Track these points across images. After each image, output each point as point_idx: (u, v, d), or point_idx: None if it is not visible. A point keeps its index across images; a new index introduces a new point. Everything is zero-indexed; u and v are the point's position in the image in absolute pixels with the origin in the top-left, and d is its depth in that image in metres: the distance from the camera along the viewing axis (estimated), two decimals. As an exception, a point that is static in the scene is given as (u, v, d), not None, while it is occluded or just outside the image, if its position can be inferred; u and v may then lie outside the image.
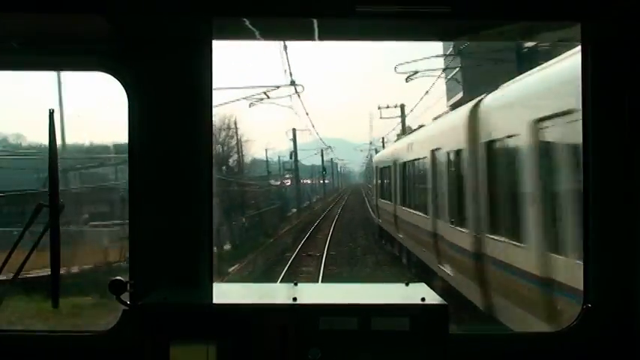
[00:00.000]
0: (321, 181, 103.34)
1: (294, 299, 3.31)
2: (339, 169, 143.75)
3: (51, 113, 3.77)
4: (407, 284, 3.66)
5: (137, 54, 3.96)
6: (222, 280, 18.14)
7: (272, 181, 69.46)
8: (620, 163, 3.97)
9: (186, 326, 3.24)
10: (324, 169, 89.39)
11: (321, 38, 4.24)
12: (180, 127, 4.00)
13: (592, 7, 3.65)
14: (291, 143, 69.75)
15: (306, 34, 4.03)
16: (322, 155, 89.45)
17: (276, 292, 4.05)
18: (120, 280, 3.73)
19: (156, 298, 3.44)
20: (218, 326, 3.25)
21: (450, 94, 49.86)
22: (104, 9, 3.60)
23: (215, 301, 3.71)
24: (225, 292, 3.98)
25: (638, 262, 3.94)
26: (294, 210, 66.40)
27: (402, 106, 59.24)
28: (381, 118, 61.17)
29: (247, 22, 3.81)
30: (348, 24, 3.90)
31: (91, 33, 3.91)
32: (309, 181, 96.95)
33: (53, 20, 3.74)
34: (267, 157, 74.45)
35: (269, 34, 4.37)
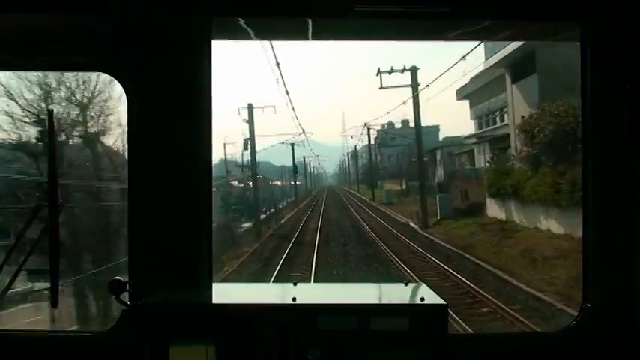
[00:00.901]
0: (292, 183, 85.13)
1: (294, 299, 3.31)
2: (311, 169, 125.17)
3: (50, 113, 3.78)
4: (406, 284, 3.66)
5: (137, 54, 3.96)
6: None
7: (236, 183, 56.86)
8: (620, 163, 3.97)
9: (185, 326, 3.24)
10: (295, 167, 70.01)
11: (320, 38, 4.26)
12: (179, 126, 4.00)
13: (591, 6, 3.66)
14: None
15: (306, 34, 4.03)
16: (293, 149, 68.42)
17: (275, 292, 4.05)
18: (119, 279, 3.73)
19: (155, 297, 3.44)
20: (217, 326, 3.25)
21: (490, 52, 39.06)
22: (104, 9, 3.60)
23: (214, 300, 3.72)
24: (225, 292, 3.99)
25: (638, 262, 3.95)
26: (251, 224, 45.76)
27: (414, 70, 42.54)
28: (381, 87, 45.10)
29: (247, 22, 3.81)
30: (348, 24, 3.91)
31: (91, 33, 3.91)
32: (278, 183, 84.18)
33: (53, 20, 3.75)
34: (225, 153, 60.67)
35: (269, 33, 4.39)
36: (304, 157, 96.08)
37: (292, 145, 65.85)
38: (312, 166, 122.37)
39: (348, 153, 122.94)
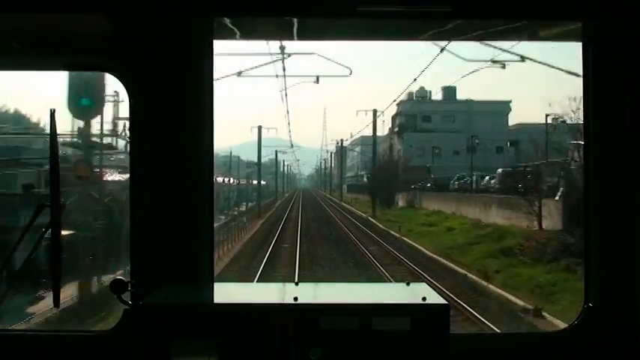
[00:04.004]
0: (248, 182, 65.88)
1: (295, 299, 3.30)
2: (283, 168, 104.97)
3: (52, 113, 3.77)
4: (408, 284, 3.66)
5: (138, 54, 3.96)
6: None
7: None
8: (621, 163, 3.98)
9: (187, 326, 3.24)
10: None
11: (323, 38, 4.29)
12: (181, 126, 4.00)
13: (593, 6, 3.66)
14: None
15: (307, 34, 4.04)
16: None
17: (277, 292, 4.05)
18: (121, 279, 3.74)
19: (157, 297, 3.44)
20: (219, 326, 3.25)
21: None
22: (105, 9, 3.60)
23: (216, 300, 3.72)
24: (226, 292, 3.99)
25: (638, 262, 3.95)
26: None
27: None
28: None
29: (248, 22, 3.82)
30: (350, 23, 3.91)
31: (92, 33, 3.91)
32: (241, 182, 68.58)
33: (54, 20, 3.75)
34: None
35: (270, 33, 4.39)
36: (259, 130, 63.60)
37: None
38: (278, 155, 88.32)
39: (340, 143, 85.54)
